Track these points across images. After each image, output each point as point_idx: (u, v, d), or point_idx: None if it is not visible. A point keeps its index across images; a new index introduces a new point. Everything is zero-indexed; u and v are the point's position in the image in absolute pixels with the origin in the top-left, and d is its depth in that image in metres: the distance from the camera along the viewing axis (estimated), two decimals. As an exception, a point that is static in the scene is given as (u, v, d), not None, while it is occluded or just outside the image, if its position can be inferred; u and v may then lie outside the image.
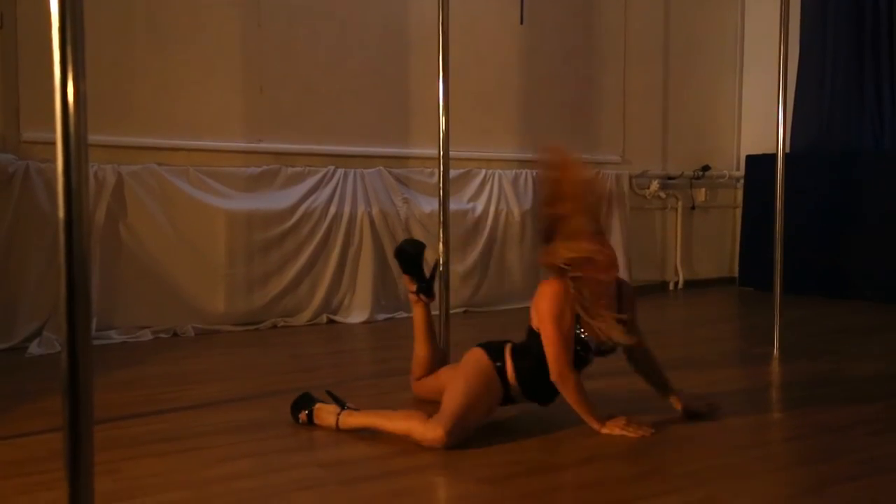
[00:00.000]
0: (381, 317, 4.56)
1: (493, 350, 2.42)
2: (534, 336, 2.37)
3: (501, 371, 2.38)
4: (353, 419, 2.39)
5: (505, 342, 2.45)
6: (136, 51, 4.09)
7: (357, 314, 4.51)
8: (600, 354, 2.43)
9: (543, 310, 2.30)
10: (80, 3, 1.11)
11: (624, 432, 2.31)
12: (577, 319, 2.31)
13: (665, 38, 6.08)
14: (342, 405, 2.45)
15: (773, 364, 3.44)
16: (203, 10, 4.28)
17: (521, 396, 2.45)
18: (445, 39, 2.79)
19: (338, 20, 4.68)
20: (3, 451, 2.23)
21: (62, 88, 1.10)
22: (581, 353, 2.36)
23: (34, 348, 3.60)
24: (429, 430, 2.19)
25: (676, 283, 6.11)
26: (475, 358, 2.40)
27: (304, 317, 4.43)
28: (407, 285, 2.83)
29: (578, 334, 2.33)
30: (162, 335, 4.00)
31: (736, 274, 6.27)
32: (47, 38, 1.13)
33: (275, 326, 4.32)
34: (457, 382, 2.32)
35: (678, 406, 2.55)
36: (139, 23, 4.11)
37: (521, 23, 5.23)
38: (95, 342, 3.62)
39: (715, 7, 6.35)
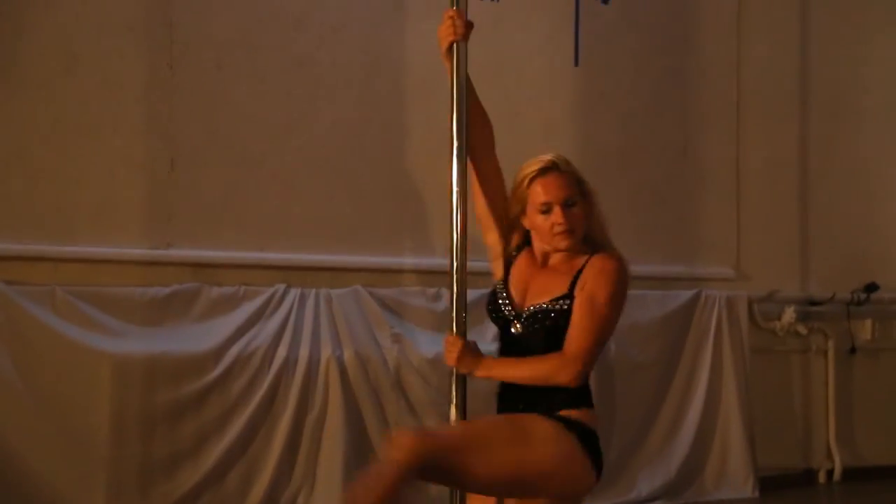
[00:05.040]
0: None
1: None
2: None
3: None
4: None
5: None
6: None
7: (319, 521, 3.80)
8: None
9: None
10: None
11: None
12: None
13: (802, 89, 5.06)
14: None
15: None
16: (80, 39, 3.53)
17: None
18: (461, 91, 2.27)
19: (295, 60, 3.88)
20: None
21: None
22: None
23: None
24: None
25: (830, 473, 4.93)
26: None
27: (236, 526, 3.74)
28: None
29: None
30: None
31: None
32: None
33: (187, 543, 3.65)
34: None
35: None
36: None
37: (576, 64, 4.40)
38: None
39: (879, 41, 5.35)
